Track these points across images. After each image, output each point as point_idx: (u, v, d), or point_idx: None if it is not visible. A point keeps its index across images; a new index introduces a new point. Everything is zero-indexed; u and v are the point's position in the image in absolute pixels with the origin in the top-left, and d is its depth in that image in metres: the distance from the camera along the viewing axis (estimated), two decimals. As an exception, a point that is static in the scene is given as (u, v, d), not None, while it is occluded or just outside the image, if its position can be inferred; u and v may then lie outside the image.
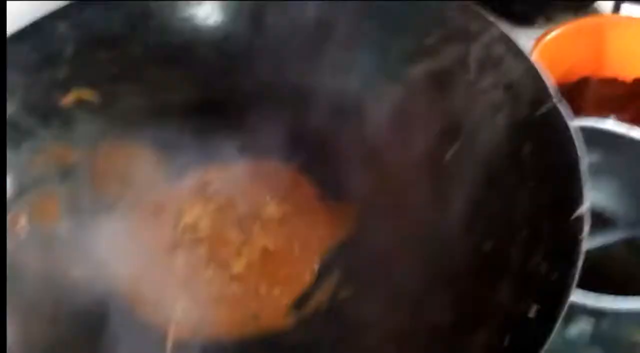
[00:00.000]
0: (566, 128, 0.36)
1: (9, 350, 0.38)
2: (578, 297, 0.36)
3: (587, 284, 0.34)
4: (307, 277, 0.46)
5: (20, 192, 0.45)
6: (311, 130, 0.51)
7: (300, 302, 0.45)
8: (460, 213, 0.40)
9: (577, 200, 0.32)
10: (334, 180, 0.50)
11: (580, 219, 0.31)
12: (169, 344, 0.42)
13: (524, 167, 0.37)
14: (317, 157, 0.51)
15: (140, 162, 0.50)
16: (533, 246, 0.33)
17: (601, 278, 0.36)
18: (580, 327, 0.38)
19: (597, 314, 0.38)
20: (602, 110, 0.57)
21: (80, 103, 0.48)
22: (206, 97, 0.52)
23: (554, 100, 0.37)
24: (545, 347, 0.27)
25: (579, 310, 0.37)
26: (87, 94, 0.48)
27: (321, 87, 0.50)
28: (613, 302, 0.37)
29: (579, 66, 0.61)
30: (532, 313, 0.30)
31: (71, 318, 0.42)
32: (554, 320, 0.28)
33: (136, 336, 0.42)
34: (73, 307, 0.42)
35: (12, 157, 0.45)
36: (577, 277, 0.29)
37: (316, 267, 0.47)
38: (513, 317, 0.31)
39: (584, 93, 0.61)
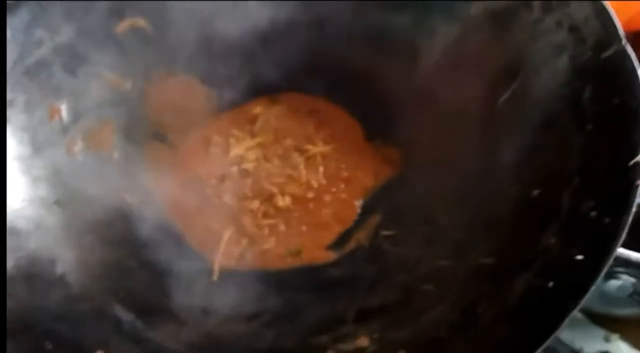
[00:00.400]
0: (632, 72, 0.34)
1: (65, 272, 0.40)
2: (622, 251, 0.35)
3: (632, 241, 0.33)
4: (350, 215, 0.47)
5: (76, 117, 0.46)
6: (359, 68, 0.50)
7: (342, 239, 0.46)
8: (510, 160, 0.39)
9: (636, 145, 0.31)
10: (382, 121, 0.49)
11: (638, 165, 0.30)
12: (215, 272, 0.44)
13: (583, 111, 0.35)
14: (365, 96, 0.50)
15: (190, 94, 0.51)
16: (585, 192, 0.32)
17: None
18: (621, 282, 0.38)
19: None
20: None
21: (134, 31, 0.48)
22: (252, 31, 0.52)
23: (622, 43, 0.35)
24: (591, 291, 0.27)
25: (621, 264, 0.36)
26: (141, 22, 0.48)
27: (370, 22, 0.49)
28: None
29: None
30: (579, 257, 0.29)
31: (124, 243, 0.44)
32: (601, 266, 0.28)
33: (184, 263, 0.44)
34: (126, 232, 0.44)
35: (68, 82, 0.46)
36: (629, 223, 0.28)
37: (359, 205, 0.47)
38: (559, 261, 0.31)
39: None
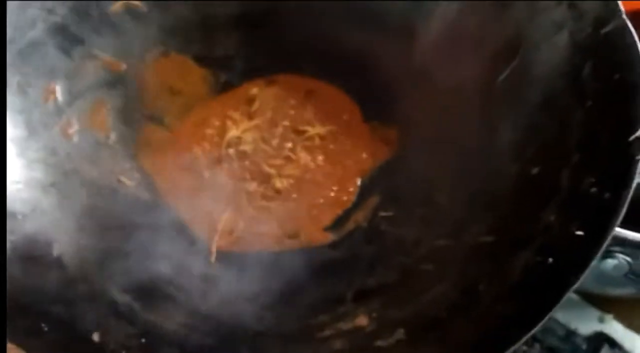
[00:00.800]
0: (632, 47, 0.34)
1: (62, 254, 0.40)
2: (619, 230, 0.35)
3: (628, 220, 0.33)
4: (348, 196, 0.46)
5: (71, 98, 0.46)
6: (355, 48, 0.49)
7: (340, 220, 0.46)
8: (510, 138, 0.39)
9: (636, 121, 0.30)
10: (379, 101, 0.49)
11: (638, 140, 0.30)
12: (213, 254, 0.44)
13: (583, 87, 0.35)
14: (362, 76, 0.50)
15: (186, 75, 0.50)
16: (585, 169, 0.32)
17: None
18: (617, 261, 0.38)
19: (636, 249, 0.37)
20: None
21: (129, 10, 0.48)
22: (249, 11, 0.51)
23: (622, 18, 0.35)
24: (590, 266, 0.27)
25: (617, 243, 0.36)
26: (136, 2, 0.48)
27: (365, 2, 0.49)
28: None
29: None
30: (579, 233, 0.29)
31: (121, 225, 0.43)
32: (601, 241, 0.28)
33: (181, 244, 0.44)
34: (122, 214, 0.44)
35: (63, 64, 0.46)
36: (629, 198, 0.28)
37: (357, 186, 0.47)
38: (559, 237, 0.31)
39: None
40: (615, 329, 0.46)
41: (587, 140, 0.34)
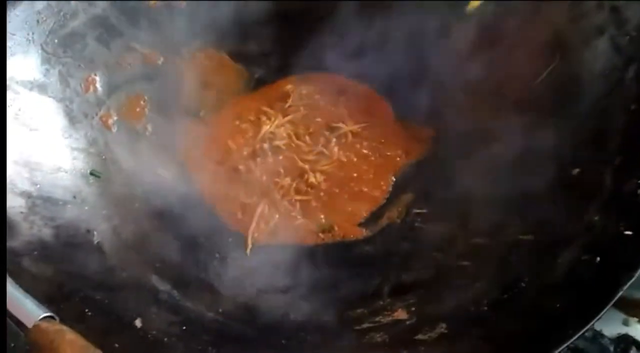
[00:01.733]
0: (677, 51, 0.34)
1: (102, 241, 0.40)
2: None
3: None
4: (382, 193, 0.47)
5: (110, 90, 0.46)
6: (391, 48, 0.50)
7: (373, 216, 0.46)
8: (548, 139, 0.39)
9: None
10: (413, 101, 0.49)
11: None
12: (249, 246, 0.44)
13: (627, 90, 0.35)
14: (397, 76, 0.50)
15: (222, 70, 0.51)
16: (628, 171, 0.33)
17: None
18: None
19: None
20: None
21: (167, 4, 0.48)
22: (283, 9, 0.52)
23: (666, 23, 0.35)
24: (641, 266, 0.27)
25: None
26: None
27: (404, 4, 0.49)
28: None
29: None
30: (627, 233, 0.29)
31: (158, 215, 0.44)
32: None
33: (218, 236, 0.44)
34: (160, 204, 0.44)
35: (102, 55, 0.46)
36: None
37: (390, 183, 0.47)
38: (605, 237, 0.31)
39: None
40: (640, 332, 0.46)
41: (630, 144, 0.34)
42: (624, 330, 0.46)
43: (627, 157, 0.34)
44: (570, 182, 0.36)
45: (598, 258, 0.30)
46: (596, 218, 0.32)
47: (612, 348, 0.46)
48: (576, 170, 0.36)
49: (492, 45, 0.45)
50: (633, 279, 0.27)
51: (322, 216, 0.46)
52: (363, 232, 0.45)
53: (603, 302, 0.26)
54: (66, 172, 0.42)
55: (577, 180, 0.36)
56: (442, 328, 0.33)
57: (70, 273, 0.36)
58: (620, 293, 0.26)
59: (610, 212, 0.32)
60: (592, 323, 0.26)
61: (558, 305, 0.29)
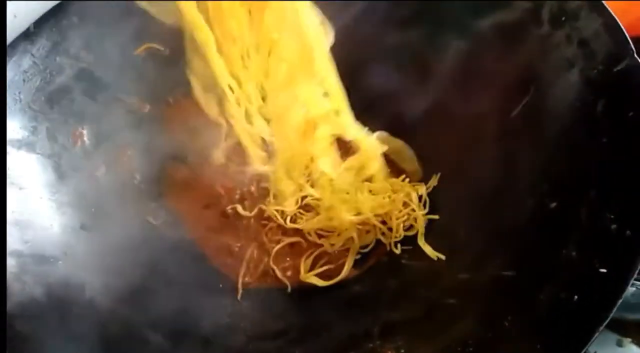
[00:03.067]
0: (645, 85, 0.35)
1: (94, 296, 0.40)
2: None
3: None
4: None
5: (98, 142, 0.47)
6: (372, 83, 0.51)
7: (362, 255, 0.47)
8: (525, 172, 0.40)
9: (653, 158, 0.31)
10: (395, 135, 0.50)
11: (656, 178, 0.31)
12: (239, 290, 0.45)
13: (597, 124, 0.36)
14: (378, 110, 0.51)
15: (208, 116, 0.52)
16: (603, 205, 0.33)
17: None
18: (635, 288, 0.38)
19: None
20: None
21: (151, 53, 0.49)
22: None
23: (634, 57, 0.36)
24: (618, 304, 0.28)
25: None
26: (158, 46, 0.49)
27: (381, 39, 0.50)
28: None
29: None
30: (602, 270, 0.30)
31: (149, 264, 0.44)
32: (626, 279, 0.28)
33: (208, 282, 0.45)
34: (150, 253, 0.45)
35: (89, 109, 0.47)
36: (651, 237, 0.29)
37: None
38: (582, 274, 0.31)
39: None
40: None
41: (604, 177, 0.34)
42: (617, 351, 0.47)
43: (600, 190, 0.34)
44: (549, 216, 0.37)
45: (576, 297, 0.30)
46: (574, 253, 0.33)
47: (606, 371, 0.46)
48: (554, 204, 0.37)
49: (468, 80, 0.46)
50: (607, 320, 0.27)
51: (311, 257, 0.46)
52: (352, 272, 0.45)
53: (578, 346, 0.27)
54: (57, 228, 0.43)
55: (555, 214, 0.36)
56: (429, 370, 0.34)
57: (62, 333, 0.37)
58: (595, 336, 0.27)
59: (586, 248, 0.32)
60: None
61: (538, 347, 0.30)
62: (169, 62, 0.50)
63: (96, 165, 0.47)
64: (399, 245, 0.45)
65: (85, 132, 0.47)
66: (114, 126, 0.48)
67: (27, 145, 0.44)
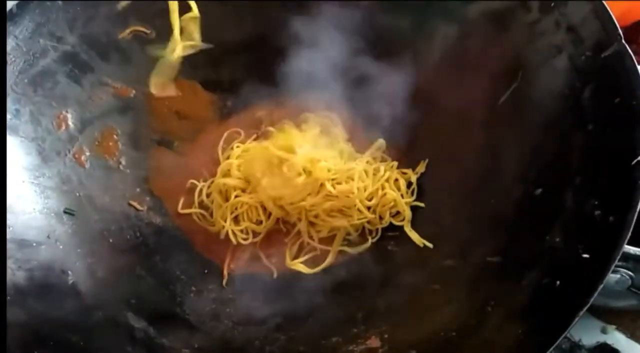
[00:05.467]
0: (632, 71, 0.34)
1: (77, 281, 0.40)
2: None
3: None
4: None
5: (82, 126, 0.47)
6: (360, 70, 0.50)
7: (348, 242, 0.46)
8: (512, 159, 0.40)
9: (638, 145, 0.31)
10: (381, 123, 0.49)
11: (640, 165, 0.30)
12: (224, 277, 0.45)
13: (584, 110, 0.36)
14: (366, 98, 0.50)
15: (194, 99, 0.51)
16: (588, 191, 0.33)
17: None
18: (619, 276, 0.38)
19: (638, 264, 0.37)
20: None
21: (137, 36, 0.49)
22: (256, 37, 0.52)
23: (622, 43, 0.36)
24: (599, 289, 0.28)
25: (620, 258, 0.37)
26: (143, 28, 0.49)
27: (370, 24, 0.49)
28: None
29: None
30: (585, 256, 0.30)
31: (133, 250, 0.44)
32: (608, 264, 0.28)
33: (193, 268, 0.45)
34: (135, 239, 0.45)
35: (73, 92, 0.47)
36: (634, 221, 0.29)
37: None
38: (565, 259, 0.31)
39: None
40: (618, 340, 0.46)
41: (589, 163, 0.34)
42: (602, 338, 0.47)
43: (585, 177, 0.34)
44: (534, 203, 0.37)
45: (558, 282, 0.30)
46: (557, 240, 0.33)
47: (590, 358, 0.46)
48: (539, 190, 0.37)
49: (456, 66, 0.46)
50: (587, 305, 0.27)
51: (296, 244, 0.46)
52: (337, 259, 0.45)
53: (558, 331, 0.27)
54: (39, 212, 0.42)
55: (540, 201, 0.36)
56: (412, 355, 0.34)
57: (44, 318, 0.36)
58: (576, 321, 0.27)
59: (570, 234, 0.32)
60: (547, 352, 0.27)
61: (520, 332, 0.30)
62: (154, 44, 0.49)
63: (80, 149, 0.46)
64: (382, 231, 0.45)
65: (69, 115, 0.46)
66: (98, 110, 0.48)
67: (10, 128, 0.43)
